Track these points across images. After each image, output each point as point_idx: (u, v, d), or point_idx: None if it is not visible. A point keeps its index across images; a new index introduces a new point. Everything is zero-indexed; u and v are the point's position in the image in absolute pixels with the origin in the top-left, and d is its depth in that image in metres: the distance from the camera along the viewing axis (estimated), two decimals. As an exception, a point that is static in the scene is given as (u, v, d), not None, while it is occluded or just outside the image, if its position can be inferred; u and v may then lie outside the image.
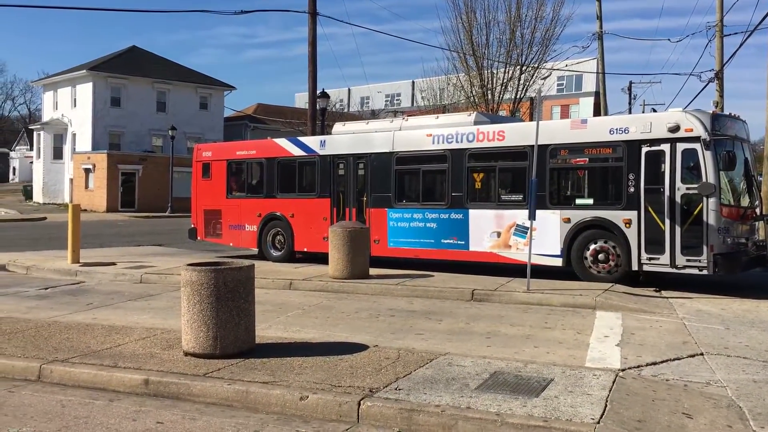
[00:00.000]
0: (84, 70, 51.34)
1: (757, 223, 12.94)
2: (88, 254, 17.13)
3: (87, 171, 49.10)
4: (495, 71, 31.83)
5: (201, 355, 6.94)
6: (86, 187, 49.13)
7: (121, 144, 51.80)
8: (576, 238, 12.75)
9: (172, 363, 6.80)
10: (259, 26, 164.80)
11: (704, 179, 11.42)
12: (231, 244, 18.17)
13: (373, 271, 13.51)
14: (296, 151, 16.79)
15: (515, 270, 13.25)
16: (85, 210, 41.29)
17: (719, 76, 28.86)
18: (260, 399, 5.88)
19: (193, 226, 18.80)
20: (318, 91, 24.74)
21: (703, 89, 27.54)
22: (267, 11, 59.34)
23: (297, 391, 5.86)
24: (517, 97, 31.99)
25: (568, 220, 12.82)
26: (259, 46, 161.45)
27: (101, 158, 47.71)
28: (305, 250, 16.49)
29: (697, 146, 11.56)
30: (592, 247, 12.63)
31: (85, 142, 51.14)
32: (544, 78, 33.57)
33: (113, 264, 15.70)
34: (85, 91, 51.33)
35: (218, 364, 6.67)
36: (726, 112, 13.49)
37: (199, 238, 18.71)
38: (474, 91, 31.96)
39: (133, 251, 19.84)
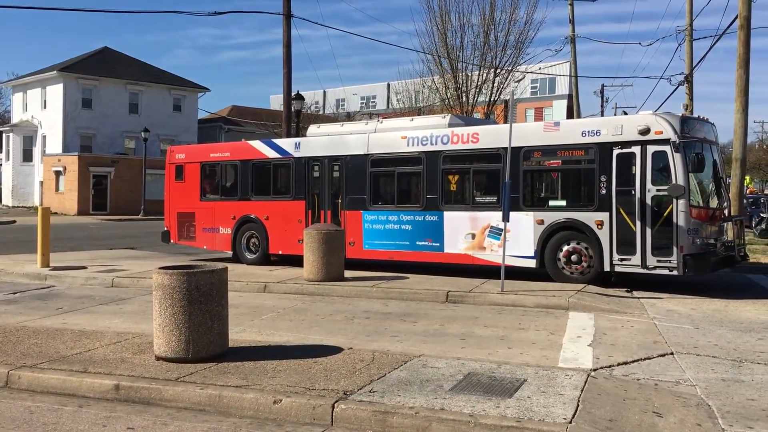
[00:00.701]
0: (54, 71, 50.55)
1: (725, 224, 13.14)
2: (59, 258, 16.88)
3: (57, 173, 48.38)
4: (469, 74, 31.95)
5: (173, 359, 6.87)
6: (57, 189, 48.40)
7: (93, 146, 51.10)
8: (549, 240, 12.86)
9: (144, 368, 6.72)
10: (233, 28, 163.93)
11: (674, 181, 11.58)
12: (205, 247, 18.02)
13: (348, 273, 13.49)
14: (271, 154, 16.71)
15: (490, 271, 13.32)
16: (56, 213, 40.68)
17: (689, 80, 29.38)
18: (233, 403, 5.84)
19: (166, 228, 18.62)
20: (293, 93, 24.65)
21: (673, 92, 28.00)
22: (241, 13, 59.04)
23: (270, 394, 5.83)
24: (492, 99, 32.13)
25: (541, 222, 12.93)
26: (233, 47, 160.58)
27: (72, 160, 47.04)
28: (280, 252, 16.42)
29: (666, 148, 11.72)
30: (565, 248, 12.74)
31: (55, 144, 50.37)
32: (518, 81, 33.81)
33: (84, 268, 15.49)
34: (56, 92, 50.57)
35: (191, 369, 6.61)
36: (695, 115, 13.69)
37: (172, 241, 18.53)
38: (449, 94, 32.03)
39: (105, 255, 19.59)
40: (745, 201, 30.99)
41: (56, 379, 6.49)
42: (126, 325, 9.53)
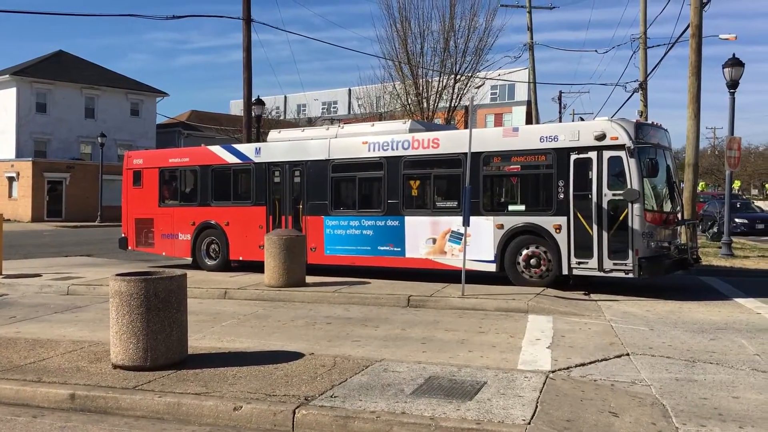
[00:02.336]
0: (7, 75, 49.27)
1: (679, 227, 13.49)
2: (12, 266, 16.46)
3: (10, 179, 47.14)
4: (430, 80, 32.21)
5: (130, 367, 6.76)
6: (10, 196, 47.16)
7: (48, 151, 49.99)
8: (509, 244, 13.01)
9: (100, 376, 6.60)
10: (191, 32, 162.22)
11: (629, 185, 11.84)
12: (164, 254, 17.77)
13: (309, 278, 13.45)
14: (231, 159, 16.58)
15: (451, 276, 13.40)
16: (9, 220, 39.67)
17: (643, 87, 30.09)
18: (192, 411, 5.77)
19: (123, 235, 18.31)
20: (253, 98, 24.52)
21: (628, 99, 28.67)
22: (200, 17, 58.33)
23: (230, 401, 5.78)
24: (452, 105, 32.42)
25: (501, 227, 13.08)
26: (192, 51, 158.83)
27: (26, 166, 45.92)
28: (241, 258, 16.29)
29: (622, 154, 11.98)
30: (525, 252, 12.90)
31: (8, 150, 49.08)
32: (478, 87, 34.15)
33: (38, 275, 15.13)
34: (9, 96, 49.30)
35: (149, 377, 6.51)
36: (649, 121, 14.03)
37: (130, 247, 18.23)
38: (410, 99, 32.23)
39: (61, 262, 19.16)
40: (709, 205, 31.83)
41: (9, 389, 6.33)
42: (82, 334, 9.35)
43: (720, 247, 19.32)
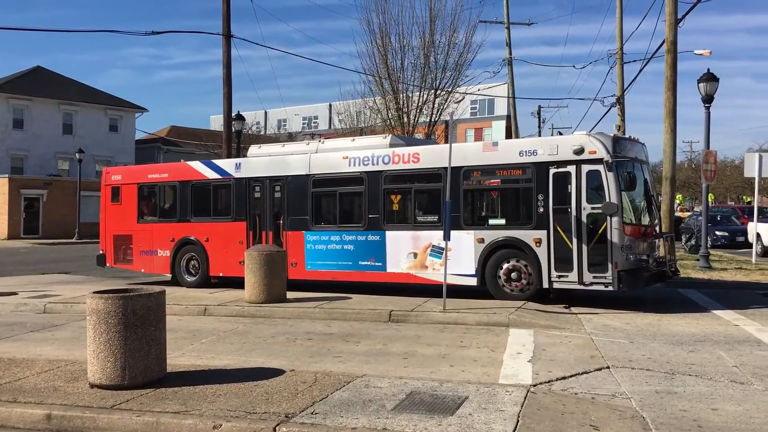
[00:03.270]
0: (-17, 91, 48.83)
1: (657, 240, 13.61)
2: (-13, 284, 16.18)
3: (-14, 196, 46.47)
4: (410, 95, 32.35)
5: (108, 386, 6.66)
6: (-15, 213, 46.47)
7: (25, 167, 49.44)
8: (490, 258, 13.04)
9: (77, 396, 6.50)
10: (170, 47, 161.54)
11: (607, 199, 11.94)
12: (143, 270, 17.59)
13: (290, 294, 13.38)
14: (211, 174, 16.50)
15: (432, 290, 13.41)
16: (-16, 237, 39.07)
17: (620, 101, 30.48)
18: (171, 429, 5.69)
19: (101, 252, 18.13)
20: (233, 114, 24.47)
21: (606, 113, 29.00)
22: (180, 33, 57.99)
23: (210, 419, 5.71)
24: (432, 120, 32.56)
25: (482, 241, 13.12)
26: (171, 67, 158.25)
27: (2, 183, 45.27)
28: (221, 274, 16.17)
29: (600, 168, 12.09)
30: (505, 266, 12.94)
31: (-16, 166, 48.48)
32: (458, 102, 34.36)
33: (14, 293, 14.91)
34: (-15, 112, 48.77)
35: (127, 395, 6.42)
36: (627, 135, 14.20)
37: (108, 264, 18.04)
38: (390, 114, 32.31)
39: (37, 280, 18.89)
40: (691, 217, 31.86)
41: (-17, 410, 6.20)
42: (59, 353, 9.21)
43: (698, 260, 19.52)
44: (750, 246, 24.40)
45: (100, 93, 56.16)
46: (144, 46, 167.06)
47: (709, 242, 23.87)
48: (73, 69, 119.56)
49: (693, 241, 25.90)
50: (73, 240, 42.24)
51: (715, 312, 12.20)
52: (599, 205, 11.99)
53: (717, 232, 30.11)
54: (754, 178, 22.42)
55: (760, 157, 21.43)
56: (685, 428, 5.82)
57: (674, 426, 5.88)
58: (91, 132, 52.37)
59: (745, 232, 28.74)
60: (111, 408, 6.09)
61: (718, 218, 32.73)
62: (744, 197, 60.47)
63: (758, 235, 24.34)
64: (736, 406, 6.46)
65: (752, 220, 24.92)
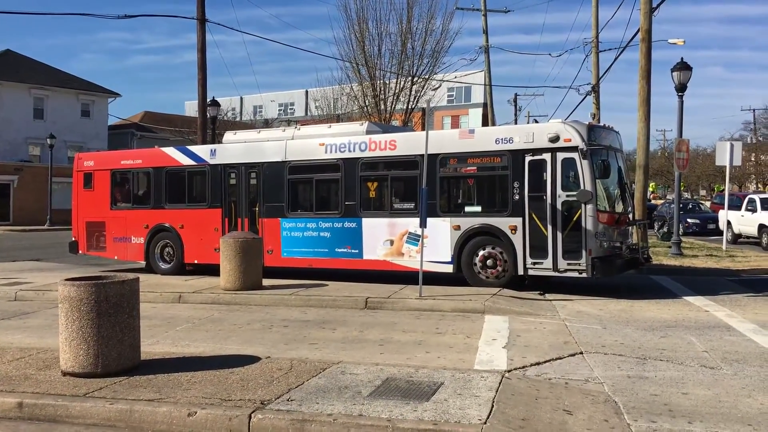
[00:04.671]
0: (-50, 75, 47.71)
1: (630, 228, 13.78)
2: (-44, 271, 15.89)
3: (-46, 182, 45.58)
4: (387, 82, 32.32)
5: (81, 374, 6.59)
6: (-46, 199, 45.59)
7: (-6, 153, 48.48)
8: (466, 245, 13.11)
9: (49, 384, 6.42)
10: (143, 32, 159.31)
11: (582, 187, 12.04)
12: (116, 258, 17.41)
13: (266, 281, 13.33)
14: (185, 161, 16.34)
15: (409, 277, 13.45)
16: (-47, 224, 38.33)
17: (596, 90, 30.71)
18: (145, 417, 5.65)
19: (74, 239, 17.89)
20: (208, 99, 24.20)
21: (581, 102, 29.21)
22: (153, 16, 57.13)
23: (185, 407, 5.68)
24: (409, 107, 32.58)
25: (458, 228, 13.17)
26: (144, 51, 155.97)
27: (-29, 169, 44.48)
28: (196, 262, 16.06)
29: (575, 155, 12.18)
30: (481, 253, 13.02)
31: (-48, 151, 47.47)
32: (435, 89, 34.38)
33: (-16, 281, 14.65)
34: (-48, 96, 47.70)
35: (100, 383, 6.36)
36: (601, 124, 14.30)
37: (81, 251, 17.82)
38: (367, 101, 32.27)
39: (8, 267, 18.59)
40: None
41: (-48, 399, 6.10)
42: (30, 340, 9.09)
43: (670, 247, 19.80)
44: (720, 233, 24.83)
45: (71, 77, 55.14)
46: (117, 30, 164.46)
47: (681, 230, 24.19)
48: (45, 53, 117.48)
49: (665, 229, 26.28)
50: (45, 227, 41.62)
51: (686, 298, 12.40)
52: (574, 193, 12.10)
53: (689, 220, 30.67)
54: (725, 167, 22.75)
55: (732, 146, 21.76)
56: (656, 412, 5.92)
57: (645, 410, 5.97)
58: (63, 117, 51.46)
59: (716, 220, 29.24)
60: (84, 396, 6.03)
61: (689, 206, 33.27)
62: (716, 185, 61.36)
63: (729, 222, 24.77)
64: (706, 390, 6.58)
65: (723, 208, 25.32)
